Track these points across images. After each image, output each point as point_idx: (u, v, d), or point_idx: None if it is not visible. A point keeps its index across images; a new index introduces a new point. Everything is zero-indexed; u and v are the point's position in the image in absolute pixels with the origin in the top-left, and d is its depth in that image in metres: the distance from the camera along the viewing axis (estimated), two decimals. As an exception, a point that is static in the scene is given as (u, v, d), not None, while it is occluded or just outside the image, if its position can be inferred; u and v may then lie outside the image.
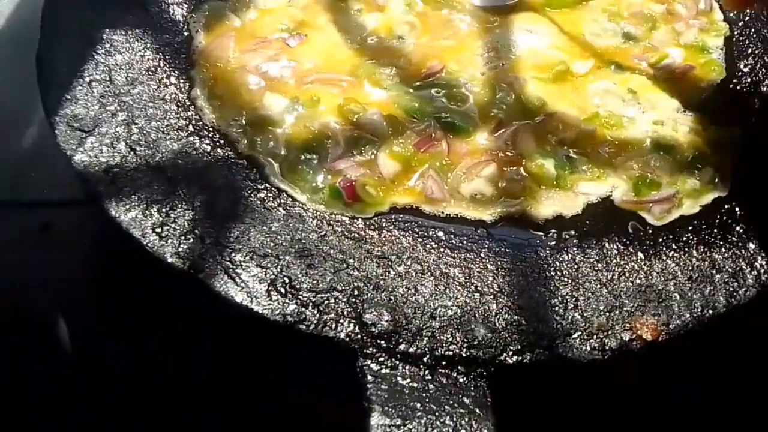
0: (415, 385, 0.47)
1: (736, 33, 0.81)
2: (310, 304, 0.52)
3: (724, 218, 0.62)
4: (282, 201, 0.61)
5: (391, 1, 0.79)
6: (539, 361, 0.50)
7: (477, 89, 0.71)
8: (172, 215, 0.56)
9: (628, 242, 0.60)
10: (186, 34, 0.74)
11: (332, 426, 0.49)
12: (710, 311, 0.54)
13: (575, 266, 0.58)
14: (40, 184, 0.74)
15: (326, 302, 0.52)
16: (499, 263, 0.57)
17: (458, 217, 0.62)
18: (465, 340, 0.51)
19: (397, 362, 0.49)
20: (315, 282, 0.54)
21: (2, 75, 0.82)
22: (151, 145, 0.62)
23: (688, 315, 0.54)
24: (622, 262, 0.58)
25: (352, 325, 0.51)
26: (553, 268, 0.57)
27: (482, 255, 0.58)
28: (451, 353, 0.50)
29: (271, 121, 0.66)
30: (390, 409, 0.45)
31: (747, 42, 0.80)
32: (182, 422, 0.53)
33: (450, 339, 0.51)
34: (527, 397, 0.51)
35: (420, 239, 0.59)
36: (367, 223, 0.60)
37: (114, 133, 0.61)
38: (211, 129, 0.65)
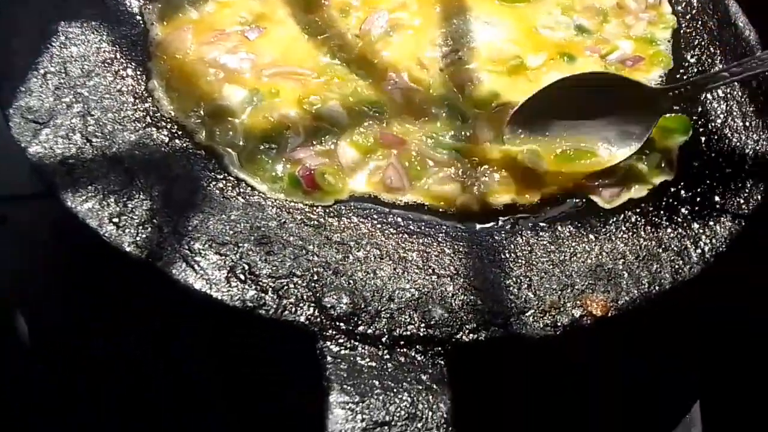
0: (374, 364, 0.48)
1: (683, 25, 0.84)
2: (270, 289, 0.53)
3: (671, 200, 0.64)
4: (241, 190, 0.61)
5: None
6: (494, 338, 0.52)
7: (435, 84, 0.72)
8: (130, 205, 0.56)
9: (579, 225, 0.62)
10: (143, 26, 0.73)
11: (293, 405, 0.50)
12: (657, 288, 0.56)
13: (529, 248, 0.59)
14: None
15: (286, 287, 0.53)
16: (455, 247, 0.59)
17: (417, 205, 0.63)
18: (422, 320, 0.52)
19: (357, 343, 0.50)
20: (275, 268, 0.54)
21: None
22: (108, 137, 0.61)
23: (635, 291, 0.56)
24: (573, 244, 0.60)
25: (311, 309, 0.52)
26: (507, 251, 0.59)
27: (439, 239, 0.59)
28: (408, 333, 0.51)
29: (229, 112, 0.66)
30: (349, 387, 0.46)
31: (693, 34, 0.83)
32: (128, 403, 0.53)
33: (408, 320, 0.52)
34: (483, 374, 0.53)
35: (379, 225, 0.60)
36: (327, 210, 0.61)
37: (69, 125, 0.61)
38: (168, 120, 0.65)
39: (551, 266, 0.58)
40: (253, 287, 0.52)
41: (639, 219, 0.62)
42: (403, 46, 0.76)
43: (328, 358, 0.48)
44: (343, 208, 0.61)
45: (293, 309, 0.52)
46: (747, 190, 0.64)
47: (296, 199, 0.61)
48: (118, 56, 0.69)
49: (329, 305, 0.52)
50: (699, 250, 0.59)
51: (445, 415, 0.46)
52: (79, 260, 0.66)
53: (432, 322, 0.52)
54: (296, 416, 0.52)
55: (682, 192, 0.65)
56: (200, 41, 0.72)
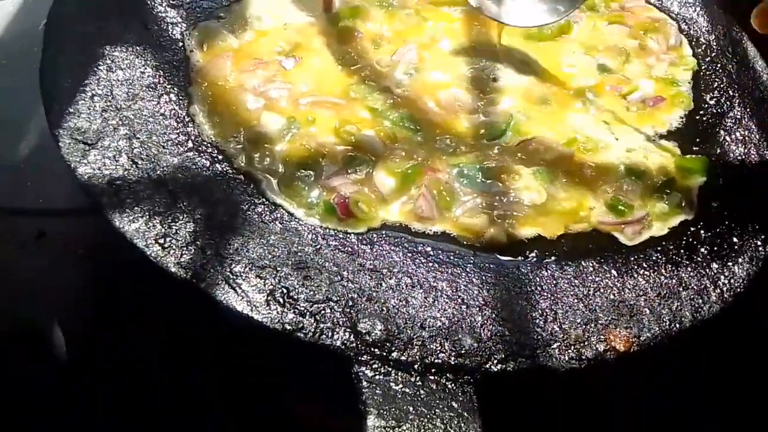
0: (407, 390, 0.50)
1: (703, 67, 0.87)
2: (308, 313, 0.55)
3: (690, 240, 0.67)
4: (278, 215, 0.63)
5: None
6: (521, 369, 0.54)
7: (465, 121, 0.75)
8: (174, 227, 0.59)
9: (602, 260, 0.64)
10: (184, 52, 0.76)
11: (330, 429, 0.52)
12: (677, 325, 0.59)
13: (554, 282, 0.61)
14: (36, 192, 0.75)
15: (323, 312, 0.55)
16: (483, 278, 0.61)
17: (446, 235, 0.65)
18: (453, 349, 0.54)
19: (390, 369, 0.52)
20: (312, 293, 0.56)
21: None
22: (152, 159, 0.64)
23: (657, 328, 0.58)
24: (597, 279, 0.62)
25: (347, 333, 0.54)
26: (533, 284, 0.61)
27: (468, 270, 0.61)
28: (440, 361, 0.53)
29: (268, 139, 0.69)
30: (385, 412, 0.48)
31: (713, 76, 0.86)
32: (180, 425, 0.55)
33: (439, 348, 0.54)
34: (510, 403, 0.55)
35: (410, 254, 0.62)
36: (360, 238, 0.63)
37: (116, 147, 0.64)
38: (209, 144, 0.68)
39: (576, 300, 0.60)
40: (292, 311, 0.55)
41: (660, 257, 0.65)
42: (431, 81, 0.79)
43: (364, 383, 0.50)
44: (375, 235, 0.64)
45: (330, 333, 0.54)
46: (764, 232, 0.66)
47: (331, 225, 0.64)
48: (161, 81, 0.72)
49: (364, 331, 0.54)
50: (718, 290, 0.62)
51: (475, 442, 0.48)
52: (108, 275, 0.68)
53: (462, 351, 0.54)
54: (294, 420, 0.53)
55: (702, 232, 0.67)
56: (239, 69, 0.75)
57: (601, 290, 0.61)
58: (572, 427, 0.55)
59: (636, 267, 0.64)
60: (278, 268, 0.58)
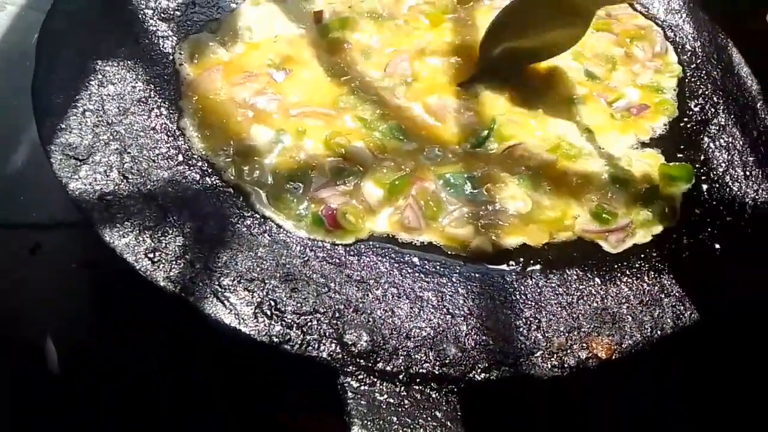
0: (392, 400, 0.51)
1: (688, 74, 0.87)
2: (295, 325, 0.56)
3: (673, 247, 0.68)
4: (267, 228, 0.64)
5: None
6: (505, 378, 0.55)
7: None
8: (164, 241, 0.60)
9: (586, 268, 0.65)
10: (174, 66, 0.77)
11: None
12: (659, 332, 0.60)
13: (538, 290, 0.63)
14: (29, 206, 0.77)
15: (309, 324, 0.56)
16: (469, 287, 0.62)
17: (432, 245, 0.66)
18: (437, 358, 0.55)
19: (375, 379, 0.53)
20: (299, 305, 0.58)
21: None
22: (143, 174, 0.65)
23: (639, 335, 0.59)
24: (580, 287, 0.63)
25: (333, 345, 0.55)
26: (518, 292, 0.62)
27: (454, 280, 0.63)
28: (424, 371, 0.54)
29: (257, 151, 0.70)
30: (369, 423, 0.49)
31: (698, 83, 0.86)
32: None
33: (424, 357, 0.55)
34: (494, 411, 0.56)
35: (396, 264, 0.63)
36: (348, 249, 0.64)
37: (107, 162, 0.65)
38: (199, 158, 0.69)
39: (559, 308, 0.61)
40: (279, 323, 0.56)
41: (643, 264, 0.66)
42: (422, 89, 0.80)
43: (349, 394, 0.51)
44: (362, 246, 0.65)
45: (316, 345, 0.55)
46: (746, 241, 0.67)
47: (319, 237, 0.65)
48: (152, 95, 0.73)
49: (350, 342, 0.55)
50: (699, 297, 0.62)
51: (458, 452, 0.49)
52: (101, 288, 0.70)
53: (446, 361, 0.55)
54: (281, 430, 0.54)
55: (685, 239, 0.68)
56: (230, 82, 0.76)
57: (585, 298, 0.62)
58: (554, 434, 0.56)
59: (619, 275, 0.65)
60: (266, 281, 0.59)
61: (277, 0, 0.86)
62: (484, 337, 0.57)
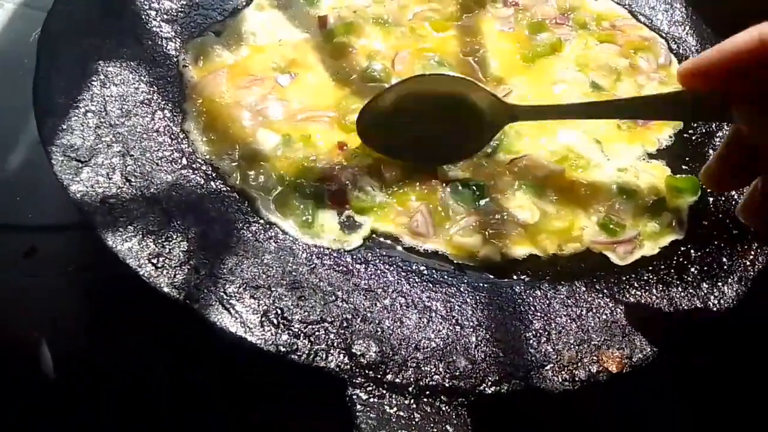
0: (402, 413, 0.50)
1: (691, 86, 0.87)
2: (302, 334, 0.55)
3: (681, 260, 0.67)
4: (273, 234, 0.63)
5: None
6: (515, 391, 0.54)
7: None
8: (168, 246, 0.59)
9: (595, 280, 0.64)
10: (179, 68, 0.76)
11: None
12: (669, 346, 0.59)
13: (547, 302, 0.62)
14: (27, 208, 0.75)
15: (317, 333, 0.55)
16: (477, 298, 0.61)
17: (439, 254, 0.65)
18: (447, 370, 0.54)
19: (384, 391, 0.52)
20: (306, 313, 0.56)
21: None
22: (146, 177, 0.64)
23: (648, 349, 0.58)
24: (589, 299, 0.63)
25: (341, 355, 0.54)
26: (527, 304, 0.61)
27: (462, 289, 0.62)
28: (434, 383, 0.53)
29: (263, 156, 0.69)
30: (380, 437, 0.48)
31: (702, 95, 0.86)
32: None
33: (433, 370, 0.54)
34: (504, 425, 0.55)
35: (404, 273, 0.62)
36: (354, 256, 0.63)
37: (110, 164, 0.63)
38: (203, 162, 0.68)
39: (569, 321, 0.60)
40: (286, 332, 0.55)
41: (651, 277, 0.65)
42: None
43: (358, 406, 0.50)
44: (369, 254, 0.64)
45: (324, 355, 0.54)
46: (752, 253, 0.67)
47: (325, 237, 0.64)
48: (155, 97, 0.72)
49: (359, 353, 0.54)
50: (708, 310, 0.62)
51: (469, 466, 0.48)
52: (99, 291, 0.68)
53: (456, 373, 0.54)
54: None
55: (692, 251, 0.68)
56: (235, 85, 0.75)
57: (594, 310, 0.62)
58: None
59: (628, 287, 0.64)
60: (272, 288, 0.58)
61: (281, 5, 0.85)
62: (493, 349, 0.57)
